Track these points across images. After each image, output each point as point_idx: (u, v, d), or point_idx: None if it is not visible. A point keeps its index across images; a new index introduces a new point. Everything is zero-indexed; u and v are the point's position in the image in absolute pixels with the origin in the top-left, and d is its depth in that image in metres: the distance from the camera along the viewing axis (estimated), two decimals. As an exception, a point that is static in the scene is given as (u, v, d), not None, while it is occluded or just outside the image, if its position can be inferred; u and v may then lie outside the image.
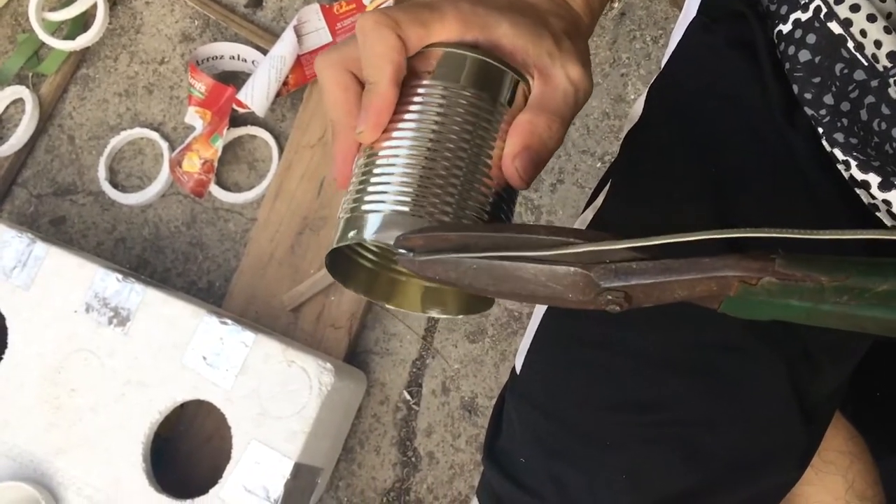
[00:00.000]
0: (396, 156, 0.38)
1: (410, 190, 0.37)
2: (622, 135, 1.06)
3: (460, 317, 0.46)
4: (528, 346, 0.59)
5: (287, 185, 1.15)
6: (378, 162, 0.39)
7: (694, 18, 0.56)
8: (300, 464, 0.95)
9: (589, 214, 0.60)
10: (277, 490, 0.94)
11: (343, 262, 0.42)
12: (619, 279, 0.33)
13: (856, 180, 0.47)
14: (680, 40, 0.56)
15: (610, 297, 0.34)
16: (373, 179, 0.38)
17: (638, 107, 0.58)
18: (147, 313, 1.02)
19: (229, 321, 0.99)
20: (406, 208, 0.37)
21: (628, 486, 0.53)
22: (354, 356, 1.09)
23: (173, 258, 1.20)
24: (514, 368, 0.61)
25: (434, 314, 0.44)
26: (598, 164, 1.07)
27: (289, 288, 1.11)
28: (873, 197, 0.47)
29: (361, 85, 0.40)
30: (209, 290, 1.17)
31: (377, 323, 1.10)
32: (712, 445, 0.53)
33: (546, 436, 0.56)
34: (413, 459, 1.05)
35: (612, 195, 0.55)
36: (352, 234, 0.37)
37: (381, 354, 1.09)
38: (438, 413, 1.05)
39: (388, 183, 0.38)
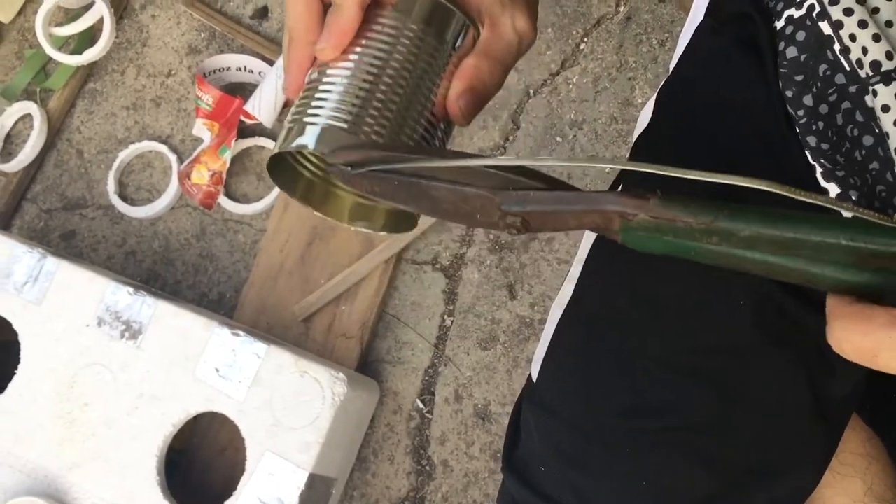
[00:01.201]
0: (344, 75, 0.41)
1: (351, 108, 0.40)
2: (631, 139, 1.06)
3: (382, 232, 0.48)
4: (543, 353, 0.59)
5: (296, 196, 1.15)
6: (327, 79, 0.41)
7: (701, 21, 0.55)
8: (314, 474, 0.95)
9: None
10: (292, 501, 0.94)
11: (285, 169, 0.45)
12: (518, 205, 0.37)
13: (819, 187, 0.47)
14: (688, 44, 0.56)
15: (510, 221, 0.37)
16: (318, 95, 0.41)
17: (647, 111, 0.58)
18: (159, 326, 1.02)
19: (241, 333, 0.99)
20: (344, 124, 0.40)
21: (646, 493, 0.53)
22: (366, 365, 1.08)
23: (184, 270, 1.20)
24: (529, 376, 0.61)
25: (359, 228, 0.47)
26: (607, 169, 1.07)
27: (299, 298, 1.11)
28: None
29: (323, 5, 0.42)
30: (220, 302, 1.17)
31: (388, 332, 1.10)
32: (729, 451, 0.52)
33: (563, 444, 0.55)
34: (427, 468, 1.04)
35: None
36: (293, 141, 0.40)
37: (392, 363, 1.08)
38: (452, 421, 1.05)
39: (331, 99, 0.40)
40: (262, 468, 0.95)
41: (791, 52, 0.48)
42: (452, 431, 1.04)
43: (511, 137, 1.12)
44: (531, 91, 1.13)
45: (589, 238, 0.60)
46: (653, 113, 0.56)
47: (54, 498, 0.99)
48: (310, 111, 0.41)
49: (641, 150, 0.57)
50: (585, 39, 1.12)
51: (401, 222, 0.46)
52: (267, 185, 1.20)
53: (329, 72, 0.41)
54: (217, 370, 0.99)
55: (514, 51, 0.43)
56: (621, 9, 1.12)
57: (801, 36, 0.47)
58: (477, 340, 1.06)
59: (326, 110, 0.40)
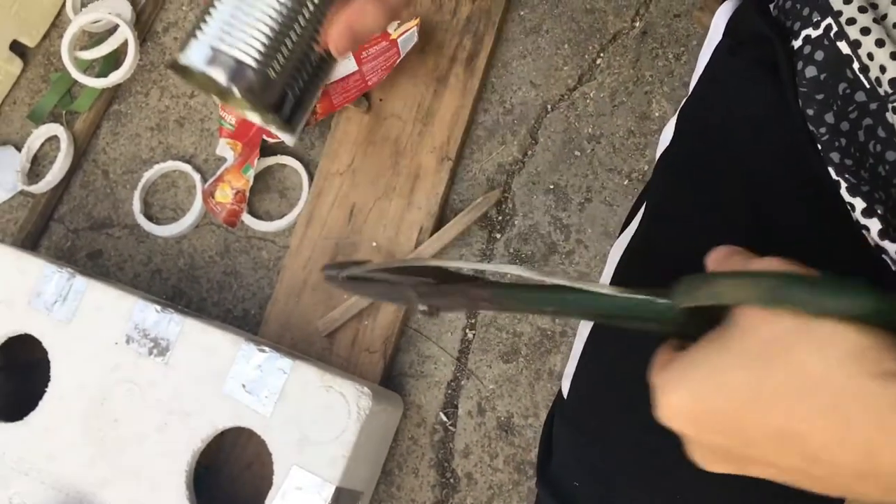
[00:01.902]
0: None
1: (261, 45, 0.43)
2: (648, 152, 1.07)
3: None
4: (573, 369, 0.60)
5: (318, 212, 1.17)
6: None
7: (720, 41, 0.56)
8: (341, 488, 0.96)
9: (625, 238, 0.61)
10: (320, 515, 0.95)
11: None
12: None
13: (844, 202, 0.48)
14: (707, 63, 0.57)
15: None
16: (225, 15, 0.43)
17: (669, 130, 0.59)
18: (186, 343, 1.03)
19: (267, 348, 1.01)
20: (255, 64, 0.43)
21: None
22: (390, 379, 1.10)
23: (208, 287, 1.22)
24: (560, 391, 0.62)
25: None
26: (626, 182, 1.08)
27: (323, 314, 1.13)
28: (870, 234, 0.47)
29: None
30: (245, 318, 1.19)
31: (411, 346, 1.11)
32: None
33: (595, 461, 0.56)
34: (451, 481, 1.05)
35: (650, 219, 0.56)
36: (192, 60, 0.43)
37: (415, 377, 1.10)
38: (475, 434, 1.06)
39: (240, 28, 0.43)
40: (290, 482, 0.97)
41: (810, 71, 0.49)
42: (476, 444, 1.05)
43: (530, 152, 1.14)
44: (549, 106, 1.14)
45: (614, 257, 0.61)
46: (674, 132, 0.57)
47: (86, 513, 1.01)
48: (216, 32, 0.43)
49: (663, 168, 0.58)
50: (602, 54, 1.14)
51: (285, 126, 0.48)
52: (289, 203, 1.22)
53: None
54: (244, 386, 1.01)
55: None
56: (637, 24, 1.13)
57: (819, 55, 0.48)
58: (499, 353, 1.08)
59: (238, 39, 0.43)
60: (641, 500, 0.54)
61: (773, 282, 0.35)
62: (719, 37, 0.56)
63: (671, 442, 0.54)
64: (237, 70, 0.43)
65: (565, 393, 0.60)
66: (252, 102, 0.44)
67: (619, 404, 0.56)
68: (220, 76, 0.43)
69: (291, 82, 0.45)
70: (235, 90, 0.44)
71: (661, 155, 0.58)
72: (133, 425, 1.03)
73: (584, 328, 0.61)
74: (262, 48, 0.43)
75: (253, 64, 0.43)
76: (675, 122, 0.58)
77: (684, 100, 0.58)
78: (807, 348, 0.34)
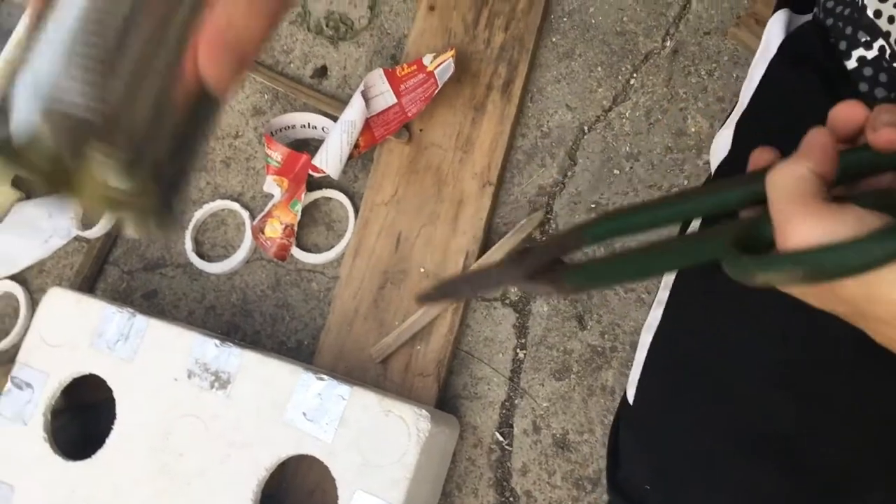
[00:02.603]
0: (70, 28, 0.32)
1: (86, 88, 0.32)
2: (686, 167, 1.09)
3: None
4: (637, 377, 0.62)
5: (365, 242, 1.20)
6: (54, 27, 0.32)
7: (775, 56, 0.59)
8: (405, 510, 0.98)
9: (663, 293, 0.62)
10: (386, 537, 0.97)
11: None
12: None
13: None
14: (763, 76, 0.59)
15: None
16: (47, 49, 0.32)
17: (723, 141, 0.61)
18: (246, 375, 1.06)
19: (325, 376, 1.04)
20: (83, 112, 0.31)
21: None
22: (444, 402, 1.12)
23: (261, 321, 1.25)
24: (624, 399, 0.63)
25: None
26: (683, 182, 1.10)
27: (375, 341, 1.15)
28: None
29: None
30: (298, 349, 1.22)
31: (464, 368, 1.13)
32: (825, 463, 0.54)
33: (665, 464, 0.58)
34: (511, 499, 1.07)
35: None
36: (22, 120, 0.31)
37: (470, 399, 1.12)
38: (532, 452, 1.07)
39: (60, 64, 0.32)
40: (354, 506, 0.99)
41: (880, 92, 0.51)
42: (533, 462, 1.07)
43: (569, 173, 1.16)
44: (586, 128, 1.17)
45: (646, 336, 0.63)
46: (732, 144, 0.59)
47: (157, 546, 1.04)
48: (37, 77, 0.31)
49: (723, 178, 0.60)
50: (635, 75, 1.16)
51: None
52: (336, 235, 1.25)
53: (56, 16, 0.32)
54: (304, 414, 1.03)
55: None
56: (667, 43, 1.16)
57: (883, 77, 0.50)
58: (550, 371, 1.09)
59: (56, 83, 0.31)
60: (710, 501, 0.56)
61: None
62: (773, 51, 0.58)
63: (737, 443, 0.56)
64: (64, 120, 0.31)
65: (630, 399, 0.62)
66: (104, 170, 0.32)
67: (686, 409, 0.58)
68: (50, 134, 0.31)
69: (151, 139, 0.32)
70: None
71: (720, 164, 0.60)
72: (197, 458, 1.06)
73: (646, 336, 0.63)
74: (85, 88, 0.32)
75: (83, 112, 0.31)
76: (726, 134, 0.60)
77: (739, 112, 0.60)
78: None
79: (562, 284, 0.54)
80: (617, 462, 0.63)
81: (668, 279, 0.63)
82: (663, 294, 0.63)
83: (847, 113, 0.39)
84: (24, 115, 0.31)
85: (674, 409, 0.59)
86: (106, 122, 0.32)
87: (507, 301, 1.14)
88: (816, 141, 0.38)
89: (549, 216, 1.15)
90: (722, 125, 0.64)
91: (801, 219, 0.35)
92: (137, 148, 0.32)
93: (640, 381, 0.61)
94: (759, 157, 0.46)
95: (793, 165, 0.37)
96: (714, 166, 0.61)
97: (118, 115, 0.32)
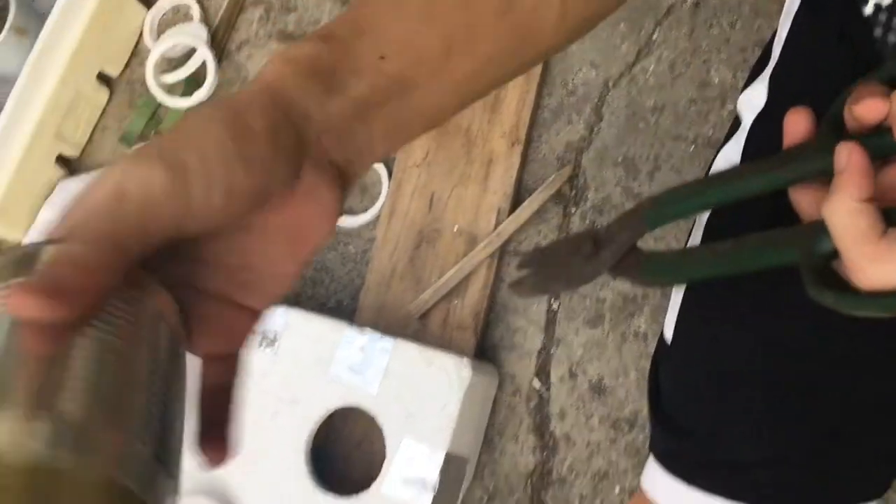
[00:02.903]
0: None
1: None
2: (711, 117, 1.12)
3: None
4: (675, 316, 0.65)
5: (400, 204, 1.24)
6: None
7: (798, 7, 0.61)
8: (450, 454, 1.03)
9: (697, 232, 0.66)
10: (433, 480, 1.02)
11: None
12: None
13: None
14: (788, 31, 0.62)
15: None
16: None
17: (756, 94, 0.63)
18: (292, 333, 1.11)
19: (368, 331, 1.08)
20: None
21: (789, 429, 0.59)
22: (483, 353, 1.16)
23: (302, 284, 1.29)
24: (661, 339, 0.67)
25: None
26: (692, 148, 1.14)
27: (413, 298, 1.20)
28: None
29: None
30: (339, 309, 1.27)
31: (500, 321, 1.17)
32: (866, 390, 0.58)
33: (706, 392, 0.61)
34: (550, 443, 1.11)
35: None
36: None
37: (507, 349, 1.16)
38: (569, 397, 1.12)
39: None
40: (402, 453, 1.04)
41: (892, 37, 0.53)
42: (571, 407, 1.11)
43: (596, 129, 1.19)
44: (610, 83, 1.20)
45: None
46: (767, 97, 0.62)
47: (219, 498, 1.09)
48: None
49: (757, 133, 0.62)
50: (657, 29, 1.19)
51: None
52: (371, 198, 1.29)
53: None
54: (350, 368, 1.08)
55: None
56: (688, -3, 1.18)
57: None
58: (584, 320, 1.13)
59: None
60: (751, 423, 0.60)
61: None
62: (797, 3, 0.61)
63: (778, 368, 0.59)
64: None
65: (668, 339, 0.66)
66: None
67: (722, 340, 0.61)
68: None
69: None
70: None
71: (755, 120, 0.62)
72: (249, 414, 1.11)
73: None
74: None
75: None
76: (760, 88, 0.62)
77: (772, 66, 0.62)
78: None
79: (641, 276, 0.58)
80: (658, 397, 0.66)
81: (702, 219, 0.66)
82: (697, 233, 0.66)
83: (868, 110, 0.42)
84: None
85: (711, 344, 0.62)
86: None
87: (540, 255, 1.18)
88: (854, 165, 0.39)
89: (577, 171, 1.19)
90: (748, 77, 0.67)
91: (869, 263, 0.38)
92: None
93: (677, 320, 0.65)
94: (794, 123, 0.48)
95: (844, 201, 0.39)
96: (748, 120, 0.63)
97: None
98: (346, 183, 0.39)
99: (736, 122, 0.67)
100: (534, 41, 0.46)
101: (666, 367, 0.65)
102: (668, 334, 0.65)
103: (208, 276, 0.38)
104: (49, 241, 0.31)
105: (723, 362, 0.61)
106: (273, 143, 0.35)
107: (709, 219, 0.64)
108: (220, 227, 0.35)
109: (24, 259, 0.30)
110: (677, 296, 0.66)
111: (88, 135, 1.47)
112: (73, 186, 1.44)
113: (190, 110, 1.36)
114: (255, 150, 0.34)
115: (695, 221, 0.67)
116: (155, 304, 0.33)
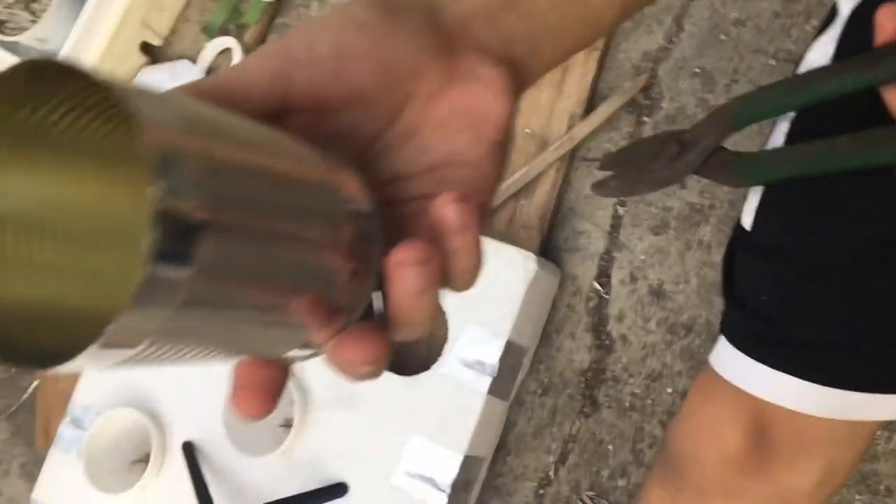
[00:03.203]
0: None
1: None
2: (794, 32, 1.11)
3: None
4: (755, 205, 0.67)
5: (474, 104, 1.26)
6: None
7: None
8: (511, 341, 1.07)
9: (783, 124, 0.67)
10: (493, 363, 1.06)
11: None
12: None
13: None
14: None
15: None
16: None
17: (845, 4, 0.63)
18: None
19: (438, 221, 1.12)
20: None
21: (864, 318, 0.61)
22: (546, 253, 1.19)
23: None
24: (739, 225, 0.68)
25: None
26: (772, 62, 1.13)
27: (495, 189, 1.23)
28: None
29: None
30: (407, 205, 1.30)
31: (565, 223, 1.20)
32: None
33: (782, 276, 0.64)
34: (607, 342, 1.15)
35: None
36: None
37: (570, 251, 1.19)
38: (628, 300, 1.14)
39: None
40: (465, 336, 1.08)
41: None
42: (629, 309, 1.14)
43: (675, 39, 1.20)
44: (693, -6, 1.20)
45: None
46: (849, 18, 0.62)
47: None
48: None
49: (855, 25, 0.63)
50: (746, -59, 1.18)
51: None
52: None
53: None
54: (418, 254, 1.11)
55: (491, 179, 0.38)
56: None
57: None
58: (649, 227, 1.15)
59: None
60: (827, 306, 0.62)
61: None
62: None
63: (857, 253, 0.61)
64: None
65: (747, 227, 0.67)
66: None
67: (804, 225, 0.63)
68: None
69: None
70: None
71: (854, 10, 0.63)
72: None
73: None
74: None
75: None
76: (850, 6, 0.63)
77: None
78: None
79: (729, 177, 0.59)
80: (731, 283, 0.69)
81: (783, 122, 0.67)
82: (778, 136, 0.67)
83: None
84: None
85: (792, 229, 0.64)
86: None
87: (609, 161, 1.19)
88: None
89: (653, 80, 1.20)
90: None
91: None
92: None
93: (758, 208, 0.67)
94: (887, 19, 0.48)
95: None
96: (846, 11, 0.63)
97: None
98: (516, 73, 0.38)
99: (833, 12, 0.67)
100: None
101: (744, 253, 0.67)
102: (747, 221, 0.67)
103: (415, 186, 0.38)
104: None
105: (804, 251, 0.63)
106: (388, 14, 0.35)
107: (794, 120, 0.65)
108: (335, 88, 0.35)
109: None
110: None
111: (171, 25, 1.51)
112: (156, 74, 1.48)
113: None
114: (364, 15, 0.35)
115: (774, 125, 0.68)
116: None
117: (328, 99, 0.35)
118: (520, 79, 0.39)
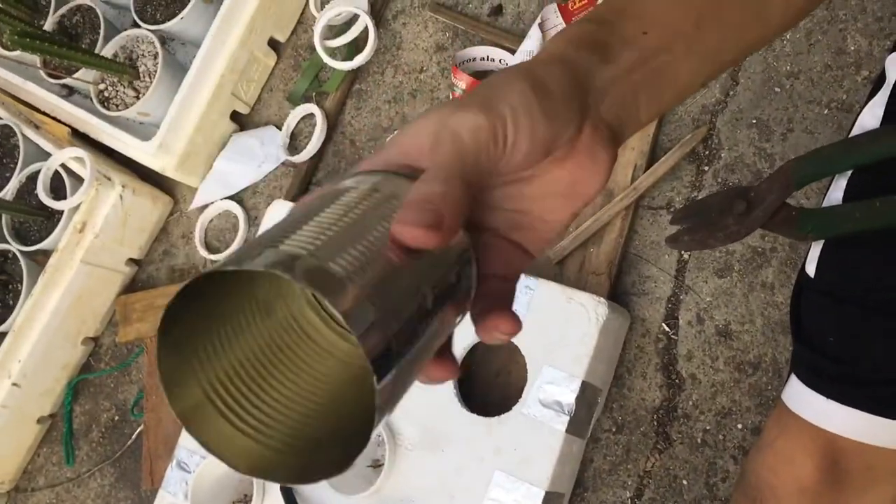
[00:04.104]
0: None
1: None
2: (846, 83, 1.18)
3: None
4: (818, 253, 0.73)
5: (542, 160, 1.35)
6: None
7: None
8: (586, 382, 1.14)
9: (842, 178, 0.73)
10: (569, 403, 1.12)
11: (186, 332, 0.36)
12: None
13: None
14: None
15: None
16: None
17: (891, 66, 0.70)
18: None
19: (513, 271, 1.20)
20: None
21: None
22: (615, 298, 1.26)
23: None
24: (803, 274, 0.74)
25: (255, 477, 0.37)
26: (826, 111, 1.20)
27: (553, 246, 1.31)
28: None
29: None
30: (482, 255, 1.38)
31: (632, 269, 1.27)
32: None
33: (847, 318, 0.69)
34: (677, 381, 1.21)
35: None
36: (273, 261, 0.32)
37: (638, 295, 1.26)
38: (696, 340, 1.21)
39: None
40: (542, 378, 1.15)
41: None
42: (697, 349, 1.20)
43: (731, 93, 1.27)
44: (747, 50, 1.27)
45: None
46: None
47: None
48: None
49: (894, 116, 0.70)
50: (796, -1, 1.25)
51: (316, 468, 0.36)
52: (514, 155, 1.40)
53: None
54: (496, 302, 1.19)
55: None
56: (828, -32, 1.24)
57: None
58: (713, 270, 1.22)
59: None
60: (891, 345, 0.67)
61: None
62: None
63: None
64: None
65: (811, 274, 0.73)
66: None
67: (866, 271, 0.69)
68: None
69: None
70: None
71: (889, 103, 0.69)
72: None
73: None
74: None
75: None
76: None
77: None
78: None
79: (796, 232, 0.65)
80: (799, 328, 0.75)
81: (841, 179, 0.73)
82: (836, 193, 0.73)
83: None
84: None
85: (855, 274, 0.70)
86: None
87: (673, 209, 1.26)
88: None
89: (711, 132, 1.27)
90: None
91: None
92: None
93: (820, 255, 0.73)
94: None
95: None
96: (894, 77, 0.70)
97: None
98: (617, 146, 0.43)
99: (881, 78, 0.74)
100: (765, 18, 0.51)
101: (809, 297, 0.73)
102: (811, 269, 0.73)
103: (492, 217, 0.43)
104: (396, 173, 0.38)
105: (867, 294, 0.69)
106: (565, 100, 0.40)
107: (851, 178, 0.72)
108: (520, 171, 0.41)
109: (387, 186, 0.38)
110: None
111: (258, 94, 1.64)
112: (245, 139, 1.61)
113: (491, 76, 1.48)
114: (551, 105, 0.40)
115: (831, 182, 0.75)
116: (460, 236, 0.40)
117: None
118: (618, 149, 0.45)
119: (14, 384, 1.51)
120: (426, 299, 0.36)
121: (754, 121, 1.24)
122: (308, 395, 0.39)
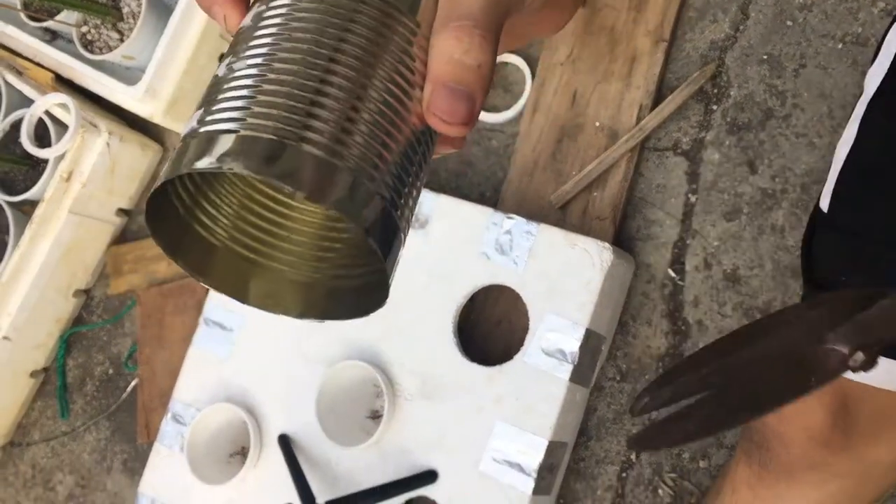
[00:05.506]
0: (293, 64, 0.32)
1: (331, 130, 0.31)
2: (861, 15, 1.12)
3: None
4: (831, 187, 0.69)
5: (543, 100, 1.30)
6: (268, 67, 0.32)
7: None
8: (590, 329, 1.10)
9: (860, 109, 0.69)
10: (573, 352, 1.09)
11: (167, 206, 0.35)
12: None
13: None
14: None
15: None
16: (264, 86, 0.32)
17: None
18: (441, 216, 1.20)
19: (514, 216, 1.16)
20: (333, 158, 0.31)
21: None
22: (620, 244, 1.22)
23: (446, 176, 1.38)
24: (817, 210, 0.71)
25: (269, 310, 0.37)
26: (840, 46, 1.14)
27: (554, 190, 1.26)
28: None
29: None
30: (481, 200, 1.34)
31: (637, 213, 1.22)
32: None
33: (861, 255, 0.66)
34: (683, 328, 1.17)
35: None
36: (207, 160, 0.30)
37: (643, 240, 1.21)
38: (703, 286, 1.17)
39: (286, 105, 0.31)
40: (544, 326, 1.12)
41: None
42: (704, 295, 1.16)
43: (741, 27, 1.21)
44: (758, -18, 1.21)
45: (872, 80, 0.69)
46: None
47: (371, 362, 1.19)
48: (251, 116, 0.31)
49: None
50: (810, -74, 1.19)
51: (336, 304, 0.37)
52: (514, 96, 1.35)
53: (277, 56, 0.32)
54: (496, 248, 1.16)
55: None
56: None
57: None
58: (721, 213, 1.17)
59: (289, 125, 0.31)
60: None
61: None
62: None
63: None
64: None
65: (824, 208, 0.70)
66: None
67: (881, 205, 0.66)
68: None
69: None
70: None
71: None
72: (402, 287, 1.20)
73: (842, 150, 0.70)
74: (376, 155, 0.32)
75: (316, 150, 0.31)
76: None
77: None
78: None
79: None
80: (811, 265, 0.71)
81: (869, 90, 0.69)
82: (860, 109, 0.69)
83: None
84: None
85: (870, 208, 0.67)
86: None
87: (679, 150, 1.22)
88: None
89: (720, 69, 1.21)
90: None
91: None
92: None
93: (834, 188, 0.69)
94: None
95: None
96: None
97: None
98: None
99: None
100: None
101: (822, 234, 0.70)
102: (825, 204, 0.70)
103: None
104: None
105: (883, 228, 0.65)
106: None
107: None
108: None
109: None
110: (836, 166, 0.70)
111: (247, 36, 1.58)
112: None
113: None
114: None
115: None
116: None
117: None
118: None
119: (5, 337, 1.48)
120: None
121: (765, 56, 1.19)
122: (318, 228, 0.40)
